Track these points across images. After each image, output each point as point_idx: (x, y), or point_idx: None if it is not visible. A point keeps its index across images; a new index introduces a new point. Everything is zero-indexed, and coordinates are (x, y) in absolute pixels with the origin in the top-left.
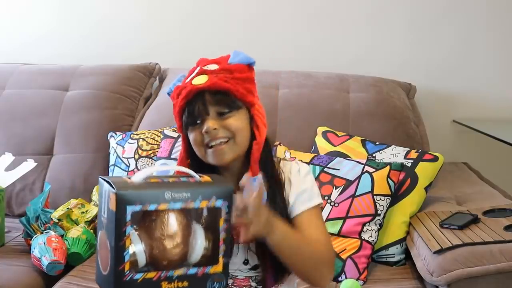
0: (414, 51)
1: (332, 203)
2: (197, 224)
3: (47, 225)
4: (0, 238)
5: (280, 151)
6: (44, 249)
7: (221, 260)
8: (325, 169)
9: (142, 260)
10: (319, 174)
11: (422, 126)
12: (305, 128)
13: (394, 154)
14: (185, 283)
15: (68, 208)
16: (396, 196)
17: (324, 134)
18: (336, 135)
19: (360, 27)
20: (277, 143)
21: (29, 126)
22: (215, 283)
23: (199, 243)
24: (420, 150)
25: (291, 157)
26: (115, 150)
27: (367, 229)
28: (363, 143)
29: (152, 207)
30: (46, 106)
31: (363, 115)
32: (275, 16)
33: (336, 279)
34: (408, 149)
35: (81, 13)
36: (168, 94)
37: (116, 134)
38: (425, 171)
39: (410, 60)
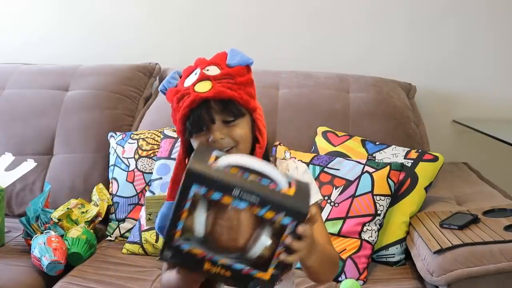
0: (414, 51)
1: (332, 203)
2: (268, 227)
3: (47, 225)
4: (0, 238)
5: (280, 151)
6: (44, 249)
7: (270, 270)
8: (325, 169)
9: (198, 234)
10: (319, 174)
11: (422, 126)
12: (305, 128)
13: (394, 154)
14: (228, 273)
15: (68, 208)
16: (396, 196)
17: (324, 134)
18: (336, 135)
19: (360, 27)
20: (277, 143)
21: (29, 126)
22: (259, 285)
23: (260, 243)
24: (420, 150)
25: (290, 157)
26: (115, 150)
27: (367, 229)
28: (363, 143)
29: (215, 196)
30: (46, 106)
31: (363, 115)
32: (275, 16)
33: (336, 279)
34: (408, 149)
35: (81, 13)
36: (162, 91)
37: (116, 134)
38: (425, 171)
39: (410, 60)
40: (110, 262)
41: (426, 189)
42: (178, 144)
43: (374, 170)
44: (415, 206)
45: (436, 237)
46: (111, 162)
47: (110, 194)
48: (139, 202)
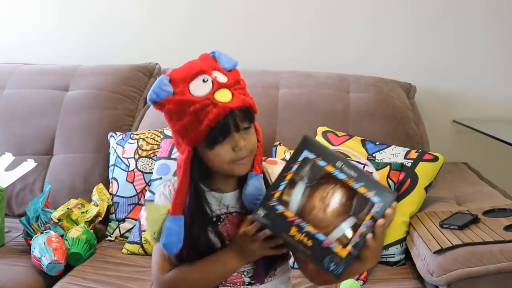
0: (414, 51)
1: None
2: (357, 214)
3: (47, 225)
4: (0, 238)
5: (280, 151)
6: (44, 249)
7: (349, 248)
8: None
9: (293, 206)
10: None
11: (422, 126)
12: (305, 128)
13: (394, 154)
14: (309, 242)
15: (68, 208)
16: (396, 196)
17: (324, 134)
18: (336, 135)
19: (360, 27)
20: (277, 143)
21: (29, 126)
22: (333, 263)
23: (346, 223)
24: (420, 150)
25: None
26: (115, 150)
27: None
28: (363, 143)
29: (321, 163)
30: (46, 106)
31: (363, 115)
32: (275, 16)
33: None
34: (408, 149)
35: (81, 13)
36: (154, 100)
37: (116, 134)
38: (425, 171)
39: (410, 60)
40: (110, 262)
41: (426, 189)
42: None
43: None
44: (415, 206)
45: (436, 237)
46: (111, 162)
47: (110, 194)
48: (139, 202)
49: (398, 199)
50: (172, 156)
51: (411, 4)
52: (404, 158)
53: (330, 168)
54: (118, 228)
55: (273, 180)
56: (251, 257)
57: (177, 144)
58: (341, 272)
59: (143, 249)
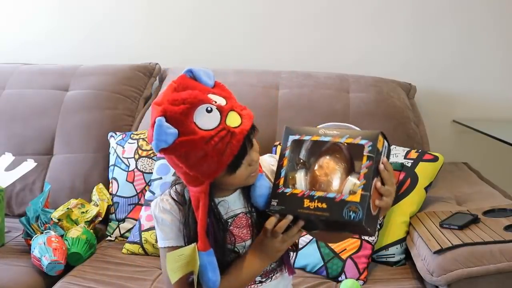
0: (414, 52)
1: None
2: (353, 174)
3: (47, 225)
4: (0, 238)
5: None
6: (44, 249)
7: (359, 192)
8: None
9: (301, 184)
10: None
11: (422, 126)
12: None
13: (394, 154)
14: (324, 205)
15: (68, 208)
16: (396, 196)
17: None
18: None
19: (360, 28)
20: (277, 143)
21: (29, 126)
22: (351, 212)
23: (350, 182)
24: (420, 150)
25: None
26: (115, 150)
27: None
28: None
29: (307, 137)
30: (46, 106)
31: (363, 115)
32: (276, 16)
33: (336, 279)
34: (408, 149)
35: (81, 13)
36: (162, 148)
37: (116, 134)
38: (425, 171)
39: (410, 60)
40: (110, 262)
41: (426, 189)
42: None
43: None
44: (415, 206)
45: (436, 237)
46: (111, 162)
47: (110, 194)
48: (139, 202)
49: (398, 199)
50: None
51: (411, 4)
52: (404, 158)
53: (315, 138)
54: (118, 228)
55: (265, 171)
56: (275, 255)
57: (190, 179)
58: (362, 216)
59: (143, 249)
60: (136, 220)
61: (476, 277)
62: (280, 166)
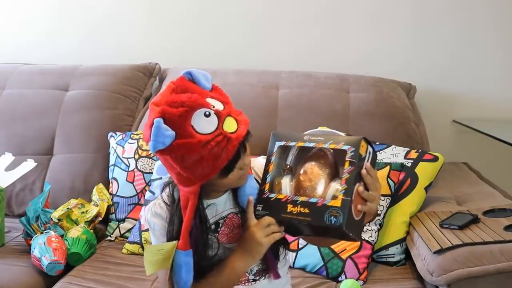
0: (414, 52)
1: None
2: (337, 179)
3: (47, 225)
4: (0, 238)
5: None
6: (44, 249)
7: (340, 196)
8: None
9: (286, 189)
10: None
11: (422, 126)
12: (305, 128)
13: (394, 154)
14: (306, 210)
15: (68, 208)
16: (396, 196)
17: None
18: None
19: (360, 28)
20: None
21: (29, 126)
22: (332, 216)
23: (332, 187)
24: (420, 150)
25: None
26: (115, 150)
27: (367, 229)
28: None
29: (292, 144)
30: (46, 106)
31: (363, 115)
32: (275, 16)
33: (336, 279)
34: (408, 149)
35: (81, 13)
36: (159, 149)
37: (116, 134)
38: (425, 171)
39: (410, 60)
40: (110, 262)
41: (426, 189)
42: None
43: None
44: (415, 206)
45: (436, 237)
46: (111, 162)
47: (110, 194)
48: (139, 202)
49: (398, 199)
50: None
51: (411, 4)
52: (404, 158)
53: (300, 143)
54: (118, 228)
55: (257, 172)
56: (257, 250)
57: (183, 180)
58: (343, 221)
59: (143, 249)
60: (136, 220)
61: (476, 277)
62: (266, 171)
